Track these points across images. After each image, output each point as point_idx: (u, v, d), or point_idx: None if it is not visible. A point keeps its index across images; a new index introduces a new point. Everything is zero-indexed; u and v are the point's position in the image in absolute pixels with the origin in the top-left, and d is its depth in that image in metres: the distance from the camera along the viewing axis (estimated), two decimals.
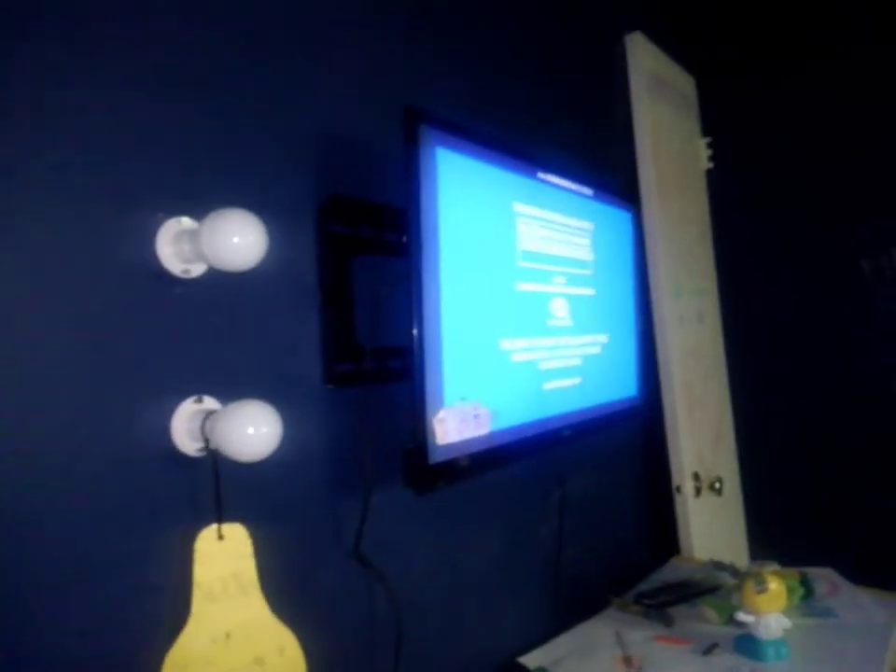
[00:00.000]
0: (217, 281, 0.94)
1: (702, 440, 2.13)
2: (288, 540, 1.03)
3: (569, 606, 1.62)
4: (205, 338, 0.95)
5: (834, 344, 2.32)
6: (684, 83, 2.33)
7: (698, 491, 2.04)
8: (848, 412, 2.28)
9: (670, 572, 1.88)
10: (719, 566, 1.79)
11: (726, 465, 2.28)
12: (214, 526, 0.91)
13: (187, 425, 0.91)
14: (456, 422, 1.11)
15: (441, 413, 1.08)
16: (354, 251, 1.14)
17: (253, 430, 0.88)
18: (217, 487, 0.92)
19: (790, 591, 1.45)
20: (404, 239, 1.03)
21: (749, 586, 1.39)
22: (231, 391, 0.94)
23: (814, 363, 2.35)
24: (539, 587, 1.58)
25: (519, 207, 1.27)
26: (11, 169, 0.77)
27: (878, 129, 2.19)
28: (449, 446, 1.09)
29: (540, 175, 1.34)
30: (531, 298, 1.31)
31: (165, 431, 0.90)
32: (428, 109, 1.05)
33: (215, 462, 0.91)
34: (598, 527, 1.81)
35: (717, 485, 2.05)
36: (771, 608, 1.38)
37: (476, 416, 1.16)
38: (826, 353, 2.33)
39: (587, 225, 1.51)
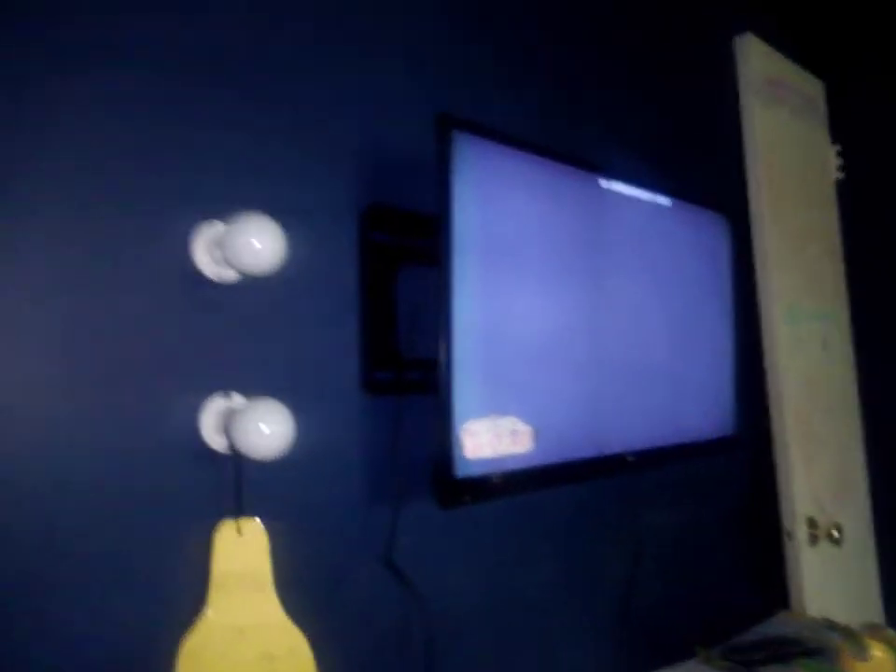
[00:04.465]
0: (255, 285, 0.98)
1: (821, 481, 1.88)
2: (316, 543, 1.03)
3: (643, 651, 1.48)
4: (241, 339, 1.00)
5: None
6: (809, 87, 2.13)
7: (814, 539, 1.81)
8: None
9: (775, 628, 1.67)
10: (831, 625, 1.57)
11: (854, 512, 2.00)
12: (233, 521, 0.94)
13: (216, 421, 0.96)
14: (489, 437, 1.07)
15: (471, 427, 1.05)
16: (398, 260, 1.14)
17: (265, 428, 0.90)
18: (238, 483, 0.95)
19: None
20: None
21: (847, 652, 1.21)
22: (264, 392, 0.97)
23: None
24: (607, 627, 1.46)
25: (577, 215, 1.21)
26: (57, 174, 0.85)
27: None
28: (479, 461, 1.05)
29: (603, 182, 1.27)
30: (594, 312, 1.24)
31: (195, 427, 0.95)
32: (463, 116, 1.03)
33: (237, 457, 0.94)
34: (685, 569, 1.64)
35: (835, 534, 1.80)
36: None
37: (514, 433, 1.11)
38: None
39: (663, 237, 1.41)
